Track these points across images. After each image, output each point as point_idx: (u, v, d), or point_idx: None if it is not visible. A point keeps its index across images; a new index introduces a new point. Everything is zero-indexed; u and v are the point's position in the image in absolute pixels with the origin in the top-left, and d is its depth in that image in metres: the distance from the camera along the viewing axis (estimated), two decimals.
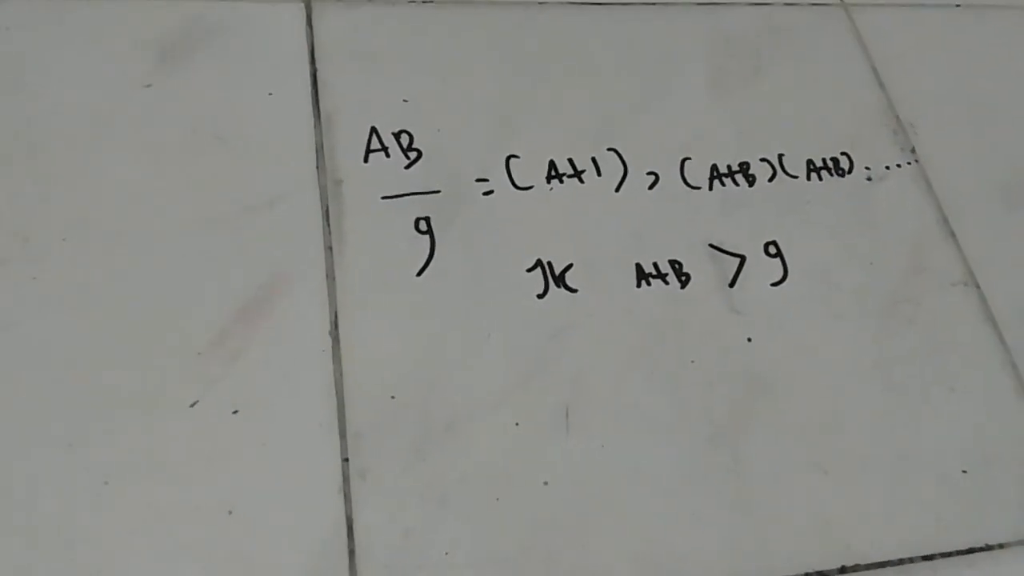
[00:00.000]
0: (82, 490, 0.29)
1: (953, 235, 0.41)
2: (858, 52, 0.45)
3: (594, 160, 0.39)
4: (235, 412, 0.31)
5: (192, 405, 0.31)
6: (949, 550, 0.33)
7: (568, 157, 0.39)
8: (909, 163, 0.42)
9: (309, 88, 0.38)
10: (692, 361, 0.35)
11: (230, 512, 0.29)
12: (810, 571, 0.31)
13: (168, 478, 0.29)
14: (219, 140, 0.36)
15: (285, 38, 0.39)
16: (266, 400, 0.31)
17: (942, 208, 0.41)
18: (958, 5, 0.49)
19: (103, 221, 0.33)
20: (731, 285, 0.37)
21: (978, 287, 0.39)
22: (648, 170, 0.39)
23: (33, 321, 0.31)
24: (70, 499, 0.28)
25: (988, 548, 0.33)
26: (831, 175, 0.41)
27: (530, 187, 0.38)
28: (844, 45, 0.46)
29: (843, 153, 0.42)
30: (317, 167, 0.36)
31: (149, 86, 0.37)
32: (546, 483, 0.31)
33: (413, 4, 0.42)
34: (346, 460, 0.31)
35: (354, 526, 0.30)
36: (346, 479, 0.30)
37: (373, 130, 0.38)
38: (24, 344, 0.31)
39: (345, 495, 0.30)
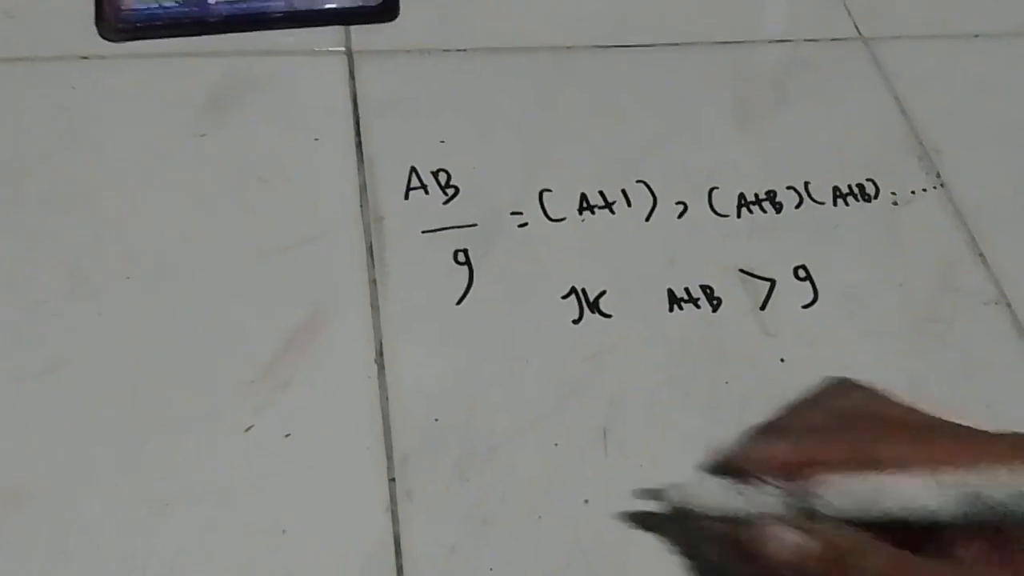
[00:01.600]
0: (143, 513, 0.30)
1: (982, 255, 0.41)
2: (880, 82, 0.47)
3: (624, 192, 0.41)
4: (287, 436, 0.32)
5: (247, 430, 0.32)
6: None
7: (599, 189, 0.40)
8: (935, 187, 0.43)
9: (352, 133, 0.40)
10: (726, 382, 0.36)
11: (284, 531, 0.30)
12: None
13: (224, 500, 0.31)
14: (268, 183, 0.38)
15: (329, 87, 0.42)
16: (316, 425, 0.33)
17: (970, 229, 0.42)
18: (976, 36, 0.50)
19: (160, 259, 0.36)
20: (762, 308, 0.38)
21: (1009, 305, 0.40)
22: (677, 200, 0.41)
23: (98, 354, 0.33)
24: (132, 522, 0.30)
25: None
26: (857, 200, 0.42)
27: (563, 219, 0.39)
28: (865, 76, 0.47)
29: (868, 179, 0.43)
30: (361, 205, 0.38)
31: (203, 135, 0.39)
32: (586, 501, 0.32)
33: (447, 53, 0.44)
34: (392, 480, 0.32)
35: (401, 543, 0.31)
36: (393, 499, 0.31)
37: (413, 169, 0.40)
38: (89, 375, 0.32)
39: (392, 514, 0.31)
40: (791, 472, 0.26)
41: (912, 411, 0.27)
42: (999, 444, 0.25)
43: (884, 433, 0.26)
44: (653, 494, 0.31)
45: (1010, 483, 0.24)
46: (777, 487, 0.26)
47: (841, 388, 0.29)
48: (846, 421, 0.27)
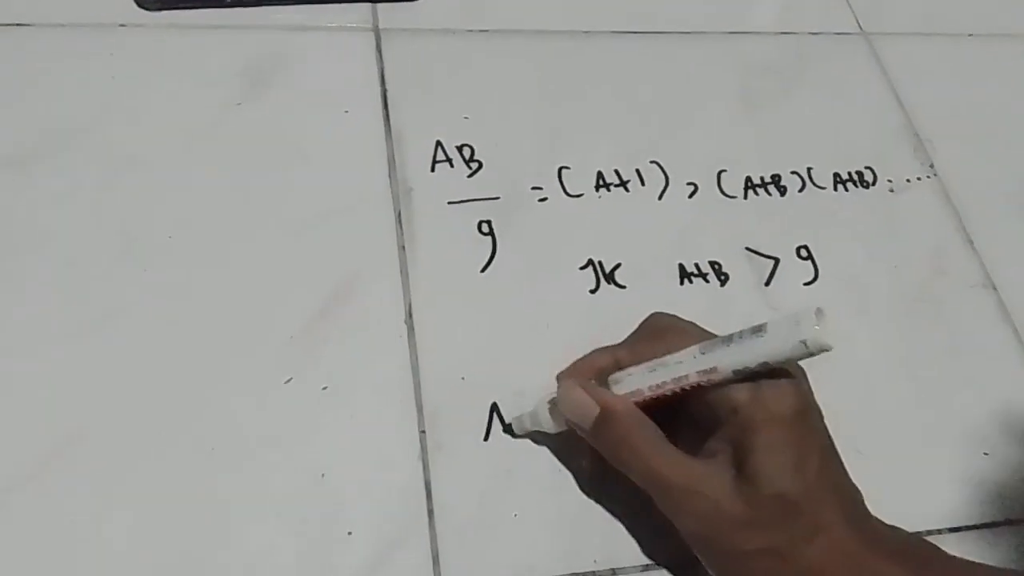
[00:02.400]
0: (192, 458, 0.32)
1: (971, 241, 0.44)
2: (879, 76, 0.49)
3: (638, 171, 0.43)
4: (324, 388, 0.34)
5: (287, 382, 0.34)
6: (973, 523, 0.36)
7: (614, 168, 0.43)
8: (928, 176, 0.46)
9: (380, 107, 0.42)
10: None
11: (323, 475, 0.32)
12: None
13: (267, 446, 0.33)
14: (302, 152, 0.40)
15: (358, 63, 0.43)
16: (351, 379, 0.35)
17: (960, 216, 0.45)
18: (970, 35, 0.53)
19: (201, 223, 0.37)
20: (767, 284, 0.41)
21: (995, 289, 0.43)
22: (688, 181, 0.43)
23: (145, 308, 0.35)
24: (182, 466, 0.32)
25: (1009, 523, 0.36)
26: (856, 187, 0.45)
27: (580, 195, 0.42)
28: (866, 70, 0.49)
29: (867, 167, 0.45)
30: (389, 176, 0.40)
31: (239, 104, 0.41)
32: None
33: (470, 33, 0.46)
34: (423, 432, 0.34)
35: (432, 490, 0.33)
36: (424, 449, 0.34)
37: (438, 143, 0.41)
38: (137, 328, 0.34)
39: (424, 463, 0.33)
40: (600, 373, 0.33)
41: (703, 330, 0.32)
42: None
43: (676, 338, 0.32)
44: None
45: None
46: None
47: (660, 318, 0.34)
48: (656, 335, 0.33)
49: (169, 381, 0.33)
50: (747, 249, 0.41)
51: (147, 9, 0.43)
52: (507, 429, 0.35)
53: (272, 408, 0.33)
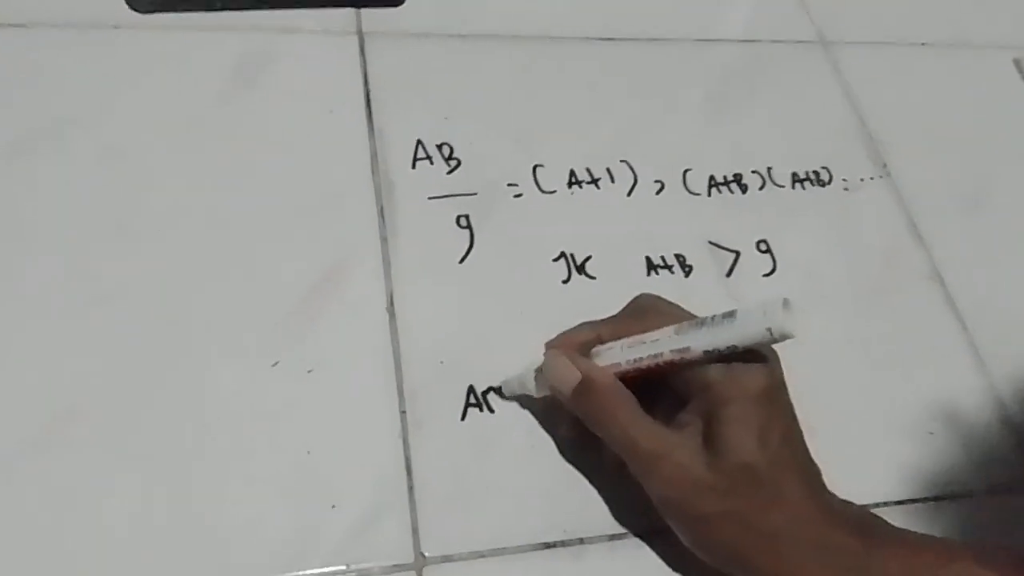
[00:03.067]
0: (184, 435, 0.34)
1: (920, 237, 0.47)
2: (836, 82, 0.52)
3: (608, 170, 0.45)
4: (309, 371, 0.36)
5: (274, 365, 0.36)
6: (917, 497, 0.38)
7: (586, 167, 0.45)
8: (881, 176, 0.49)
9: (364, 107, 0.44)
10: None
11: (308, 452, 0.34)
12: None
13: (255, 424, 0.35)
14: (288, 149, 0.42)
15: (342, 65, 0.45)
16: (335, 362, 0.37)
17: (910, 214, 0.47)
18: (924, 43, 0.56)
19: (193, 213, 0.39)
20: (728, 275, 0.43)
21: (942, 281, 0.45)
22: (655, 179, 0.45)
23: (138, 293, 0.36)
24: (175, 442, 0.34)
25: (952, 496, 0.39)
26: (813, 185, 0.47)
27: (554, 191, 0.44)
28: (824, 76, 0.52)
29: (823, 167, 0.48)
30: (372, 173, 0.42)
31: (228, 103, 0.43)
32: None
33: (450, 37, 0.48)
34: (403, 412, 0.36)
35: (412, 466, 0.35)
36: (404, 427, 0.36)
37: (419, 142, 0.44)
38: (131, 311, 0.36)
39: (404, 440, 0.35)
40: (584, 346, 0.35)
41: (685, 311, 0.35)
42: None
43: (658, 318, 0.34)
44: None
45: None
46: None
47: (645, 298, 0.36)
48: (639, 315, 0.35)
49: (162, 364, 0.35)
50: (710, 243, 0.44)
51: (139, 11, 0.45)
52: (497, 391, 0.37)
53: (260, 389, 0.35)
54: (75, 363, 0.34)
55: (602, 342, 0.35)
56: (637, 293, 0.41)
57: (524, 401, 0.37)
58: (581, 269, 0.42)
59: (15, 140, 0.39)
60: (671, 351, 0.32)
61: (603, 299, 0.41)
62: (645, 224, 0.44)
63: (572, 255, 0.42)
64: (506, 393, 0.37)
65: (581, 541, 0.35)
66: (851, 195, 0.47)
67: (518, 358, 0.38)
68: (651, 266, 0.43)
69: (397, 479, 0.34)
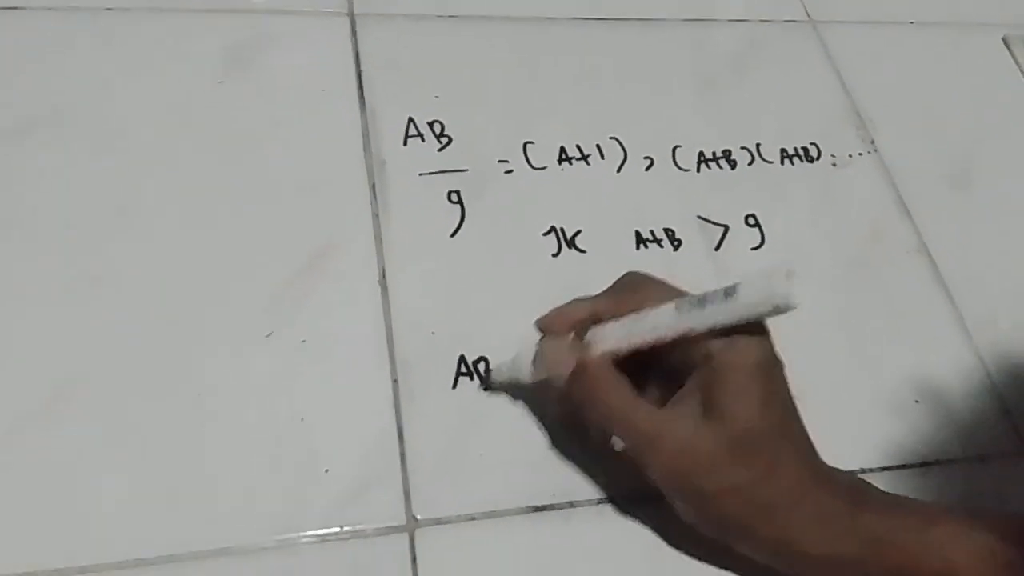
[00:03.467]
0: (181, 404, 0.35)
1: (908, 211, 0.47)
2: (825, 60, 0.52)
3: (598, 147, 0.46)
4: (303, 342, 0.37)
5: (268, 336, 0.37)
6: (903, 463, 0.39)
7: (576, 143, 0.45)
8: (869, 152, 0.49)
9: (355, 86, 0.45)
10: None
11: (302, 420, 0.35)
12: None
13: (249, 393, 0.35)
14: (282, 127, 0.43)
15: (334, 45, 0.46)
16: (328, 333, 0.37)
17: (898, 189, 0.48)
18: (912, 22, 0.56)
19: (189, 191, 0.40)
20: (716, 249, 0.44)
21: (929, 254, 0.46)
22: (645, 155, 0.46)
23: (137, 268, 0.37)
24: (172, 411, 0.34)
25: (937, 462, 0.39)
26: (802, 161, 0.48)
27: (544, 167, 0.44)
28: (813, 55, 0.53)
29: (812, 143, 0.49)
30: (364, 150, 0.43)
31: (221, 83, 0.43)
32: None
33: (441, 18, 0.49)
34: (395, 381, 0.37)
35: (404, 434, 0.35)
36: (396, 396, 0.36)
37: (410, 120, 0.44)
38: (129, 287, 0.37)
39: (396, 409, 0.36)
40: (578, 324, 0.34)
41: (672, 287, 0.35)
42: None
43: (650, 293, 0.34)
44: None
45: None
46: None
47: (635, 274, 0.36)
48: (635, 288, 0.35)
49: (159, 336, 0.36)
50: (699, 217, 0.44)
51: None
52: (486, 377, 0.37)
53: (254, 359, 0.36)
54: (75, 339, 0.35)
55: (597, 319, 0.34)
56: (627, 266, 0.41)
57: (515, 387, 0.37)
58: (571, 243, 0.42)
59: (12, 123, 0.40)
60: (674, 332, 0.32)
61: (593, 272, 0.41)
62: (635, 199, 0.44)
63: (562, 229, 0.42)
64: (496, 379, 0.37)
65: (571, 504, 0.35)
66: (839, 171, 0.48)
67: (509, 329, 0.39)
68: (640, 240, 0.43)
69: (389, 445, 0.35)
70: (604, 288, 0.37)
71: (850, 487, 0.33)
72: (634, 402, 0.33)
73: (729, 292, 0.31)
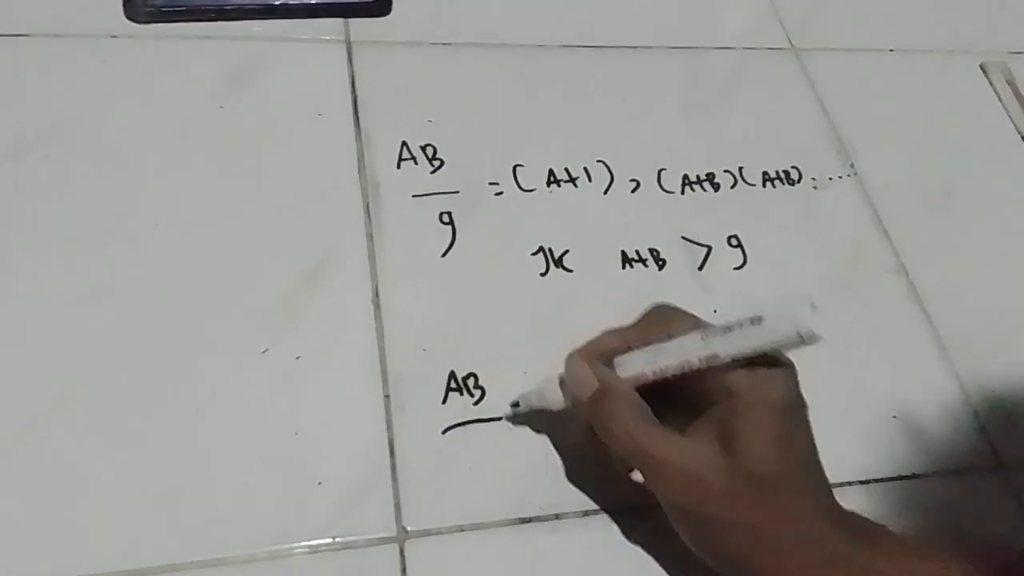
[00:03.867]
0: (178, 417, 0.36)
1: (886, 233, 0.49)
2: (806, 87, 0.54)
3: (586, 169, 0.47)
4: (298, 358, 0.38)
5: (263, 352, 0.38)
6: (881, 477, 0.40)
7: (564, 166, 0.47)
8: (849, 175, 0.51)
9: (351, 111, 0.46)
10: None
11: (296, 433, 0.36)
12: None
13: (245, 407, 0.36)
14: (279, 148, 0.44)
15: (331, 71, 0.48)
16: (322, 349, 0.38)
17: (877, 211, 0.49)
18: (891, 50, 0.58)
19: (188, 211, 0.41)
20: (700, 268, 0.45)
21: (907, 274, 0.47)
22: (631, 178, 0.47)
23: (135, 284, 0.38)
24: (169, 423, 0.35)
25: (914, 476, 0.40)
26: (783, 184, 0.49)
27: (533, 189, 0.46)
28: (795, 81, 0.54)
29: (793, 167, 0.50)
30: (359, 172, 0.44)
31: (221, 107, 0.45)
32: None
33: (435, 46, 0.50)
34: (387, 396, 0.38)
35: (395, 447, 0.37)
36: (388, 411, 0.37)
37: (404, 143, 0.46)
38: (127, 302, 0.38)
39: (388, 423, 0.37)
40: (610, 353, 0.35)
41: (699, 319, 0.35)
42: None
43: (677, 323, 0.34)
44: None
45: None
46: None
47: (663, 306, 0.36)
48: (663, 319, 0.35)
49: (158, 350, 0.37)
50: (683, 238, 0.46)
51: (136, 22, 0.47)
52: (514, 406, 0.38)
53: (250, 374, 0.37)
54: (75, 352, 0.36)
55: (628, 348, 0.35)
56: (613, 285, 0.43)
57: (538, 416, 0.38)
58: (559, 263, 0.43)
59: (19, 144, 0.41)
60: (699, 359, 0.32)
61: (580, 291, 0.43)
62: (621, 220, 0.46)
63: (550, 249, 0.44)
64: (523, 406, 0.37)
65: (557, 516, 0.36)
66: (820, 193, 0.50)
67: (498, 346, 0.40)
68: (626, 259, 0.44)
69: (380, 458, 0.36)
70: (603, 303, 0.38)
71: (864, 531, 0.33)
72: (651, 427, 0.33)
73: (755, 321, 0.32)
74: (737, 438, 0.31)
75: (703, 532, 0.32)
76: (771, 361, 0.32)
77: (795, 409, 0.33)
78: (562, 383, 0.36)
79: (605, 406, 0.33)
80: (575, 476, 0.37)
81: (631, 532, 0.36)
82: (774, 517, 0.31)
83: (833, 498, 0.33)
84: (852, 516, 0.33)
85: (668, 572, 0.36)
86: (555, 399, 0.36)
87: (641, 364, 0.34)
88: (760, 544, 0.31)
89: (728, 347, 0.32)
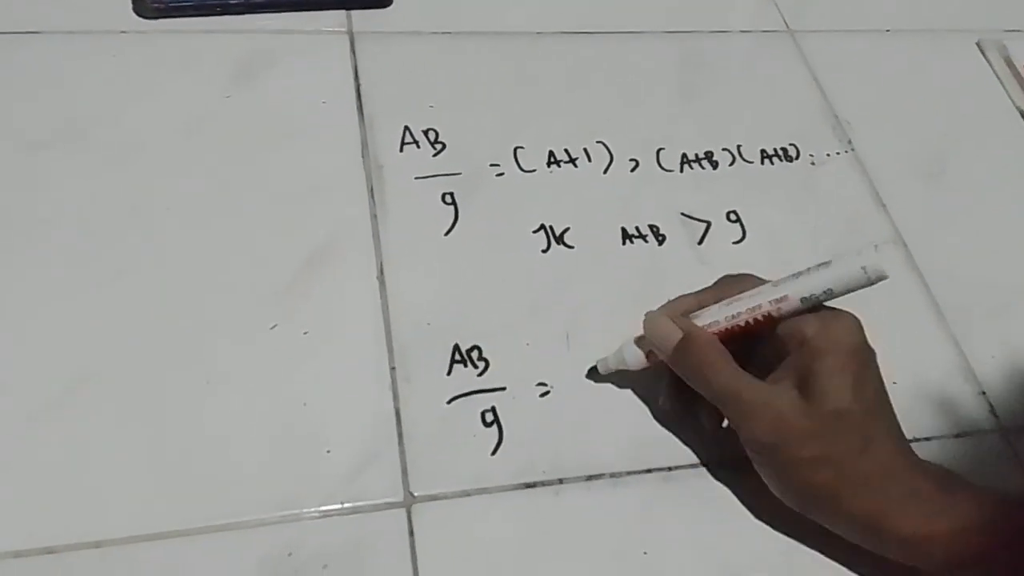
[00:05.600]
0: (190, 388, 0.37)
1: (884, 206, 0.49)
2: (803, 67, 0.55)
3: (585, 150, 0.48)
4: (305, 333, 0.39)
5: (272, 328, 0.39)
6: None
7: (564, 148, 0.48)
8: (846, 151, 0.51)
9: (354, 98, 0.47)
10: (668, 299, 0.43)
11: (305, 404, 0.37)
12: None
13: (255, 380, 0.37)
14: (286, 136, 0.45)
15: (334, 61, 0.49)
16: (329, 325, 0.39)
17: (874, 185, 0.50)
18: (887, 30, 0.58)
19: (198, 196, 0.42)
20: (699, 243, 0.46)
21: (905, 245, 0.48)
22: (630, 157, 0.48)
23: (150, 266, 0.40)
24: (182, 395, 0.37)
25: (916, 440, 0.41)
26: (781, 160, 0.50)
27: (534, 170, 0.47)
28: (791, 62, 0.55)
29: (791, 144, 0.51)
30: (362, 157, 0.45)
31: (228, 97, 0.46)
32: (550, 389, 0.39)
33: (436, 35, 0.51)
34: (393, 368, 0.39)
35: (401, 415, 0.37)
36: (394, 382, 0.38)
37: (406, 128, 0.47)
38: (143, 283, 0.39)
39: (394, 393, 0.38)
40: (685, 312, 0.37)
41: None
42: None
43: (748, 282, 0.37)
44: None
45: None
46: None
47: (735, 274, 0.39)
48: (734, 282, 0.37)
49: (172, 328, 0.38)
50: (682, 214, 0.47)
51: (145, 17, 0.48)
52: (591, 372, 0.39)
53: (259, 349, 0.38)
54: (92, 330, 0.37)
55: (703, 307, 0.37)
56: (613, 260, 0.44)
57: (618, 379, 0.39)
58: (560, 239, 0.44)
59: (35, 137, 0.43)
60: (769, 302, 0.34)
61: (581, 266, 0.44)
62: (620, 198, 0.47)
63: (551, 227, 0.45)
64: (602, 371, 0.39)
65: (560, 481, 0.37)
66: (817, 169, 0.50)
67: (501, 319, 0.41)
68: (626, 236, 0.45)
69: (387, 427, 0.37)
70: (604, 277, 0.41)
71: (938, 472, 0.35)
72: (738, 370, 0.35)
73: (823, 265, 0.34)
74: (813, 382, 0.33)
75: (787, 470, 0.34)
76: (838, 312, 0.34)
77: (865, 353, 0.35)
78: (639, 342, 0.37)
79: (693, 353, 0.35)
80: (576, 442, 0.38)
81: (633, 496, 0.37)
82: (855, 451, 0.33)
83: (906, 441, 0.35)
84: (926, 461, 0.35)
85: (669, 534, 0.36)
86: (636, 360, 0.38)
87: (713, 315, 0.36)
88: (842, 478, 0.33)
89: (796, 288, 0.34)
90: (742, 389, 0.34)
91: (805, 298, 0.34)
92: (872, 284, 0.33)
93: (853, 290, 0.34)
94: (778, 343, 0.35)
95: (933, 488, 0.33)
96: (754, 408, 0.34)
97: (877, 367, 0.35)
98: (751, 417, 0.34)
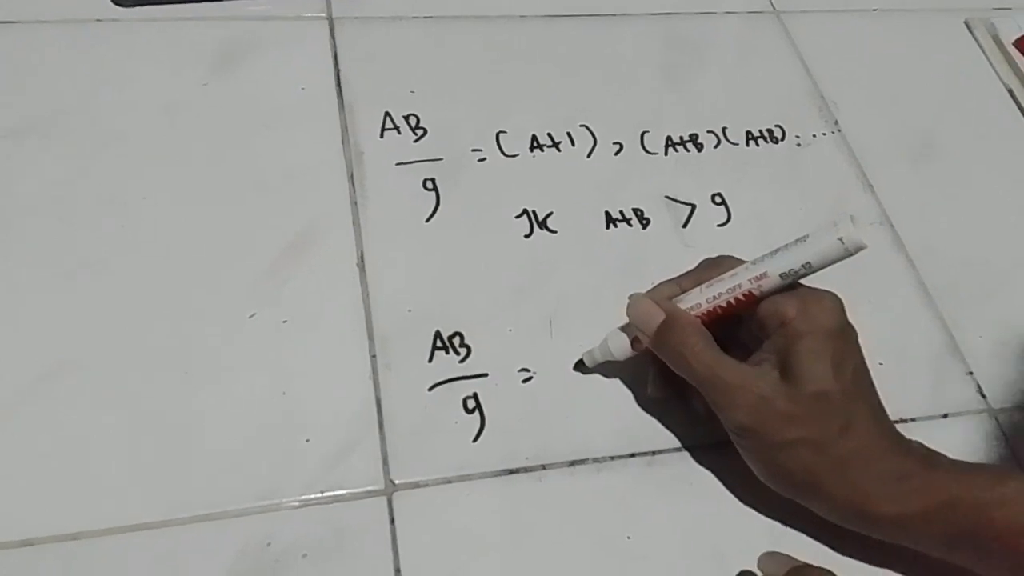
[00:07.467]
0: (169, 379, 0.36)
1: (871, 186, 0.49)
2: (789, 48, 0.54)
3: (569, 134, 0.48)
4: (284, 322, 0.38)
5: (251, 316, 0.38)
6: None
7: (547, 132, 0.47)
8: (833, 132, 0.51)
9: (334, 84, 0.47)
10: (652, 282, 0.42)
11: (284, 393, 0.37)
12: None
13: (234, 369, 0.37)
14: (265, 124, 0.45)
15: (314, 47, 0.48)
16: (309, 313, 0.39)
17: (861, 166, 0.50)
18: (874, 9, 0.58)
19: (176, 184, 0.42)
20: (684, 226, 0.45)
21: (892, 226, 0.47)
22: (614, 140, 0.48)
23: (127, 254, 0.39)
24: (160, 384, 0.36)
25: (902, 420, 0.41)
26: (767, 142, 0.50)
27: (516, 155, 0.46)
28: (777, 43, 0.55)
29: (777, 125, 0.50)
30: (343, 143, 0.45)
31: (206, 85, 0.45)
32: (533, 375, 0.39)
33: (415, 19, 0.51)
34: (374, 356, 0.38)
35: (382, 404, 0.37)
36: (374, 370, 0.38)
37: (387, 114, 0.46)
38: (120, 271, 0.39)
39: (374, 381, 0.38)
40: (669, 298, 0.37)
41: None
42: None
43: (728, 264, 0.36)
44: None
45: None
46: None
47: (714, 257, 0.38)
48: (714, 265, 0.37)
49: (149, 316, 0.38)
50: (667, 197, 0.46)
51: (122, 6, 0.48)
52: (578, 365, 0.39)
53: (238, 338, 0.38)
54: (71, 319, 0.37)
55: (684, 291, 0.37)
56: (597, 244, 0.43)
57: (604, 367, 0.39)
58: (543, 224, 0.44)
59: (12, 122, 0.42)
60: (749, 280, 0.34)
61: (564, 251, 0.43)
62: (604, 182, 0.46)
63: (534, 212, 0.44)
64: (588, 363, 0.39)
65: (543, 467, 0.37)
66: (803, 150, 0.50)
67: (483, 305, 0.41)
68: (610, 220, 0.45)
69: (368, 415, 0.37)
70: (588, 262, 0.40)
71: (920, 450, 0.35)
72: (719, 353, 0.34)
73: (801, 240, 0.34)
74: (794, 363, 0.33)
75: (769, 454, 0.34)
76: (818, 292, 0.34)
77: (846, 333, 0.34)
78: (623, 329, 0.37)
79: (675, 335, 0.35)
80: (558, 428, 0.38)
81: (616, 482, 0.37)
82: (835, 433, 0.33)
83: (888, 419, 0.35)
84: (908, 440, 0.35)
85: (652, 518, 0.36)
86: (621, 348, 0.37)
87: (695, 298, 0.36)
88: (823, 460, 0.33)
89: (775, 265, 0.34)
90: (723, 372, 0.34)
91: (784, 273, 0.34)
92: (851, 255, 0.33)
93: (833, 262, 0.33)
94: (759, 324, 0.35)
95: (915, 466, 0.33)
96: (734, 391, 0.34)
97: (858, 347, 0.35)
98: (732, 400, 0.34)
